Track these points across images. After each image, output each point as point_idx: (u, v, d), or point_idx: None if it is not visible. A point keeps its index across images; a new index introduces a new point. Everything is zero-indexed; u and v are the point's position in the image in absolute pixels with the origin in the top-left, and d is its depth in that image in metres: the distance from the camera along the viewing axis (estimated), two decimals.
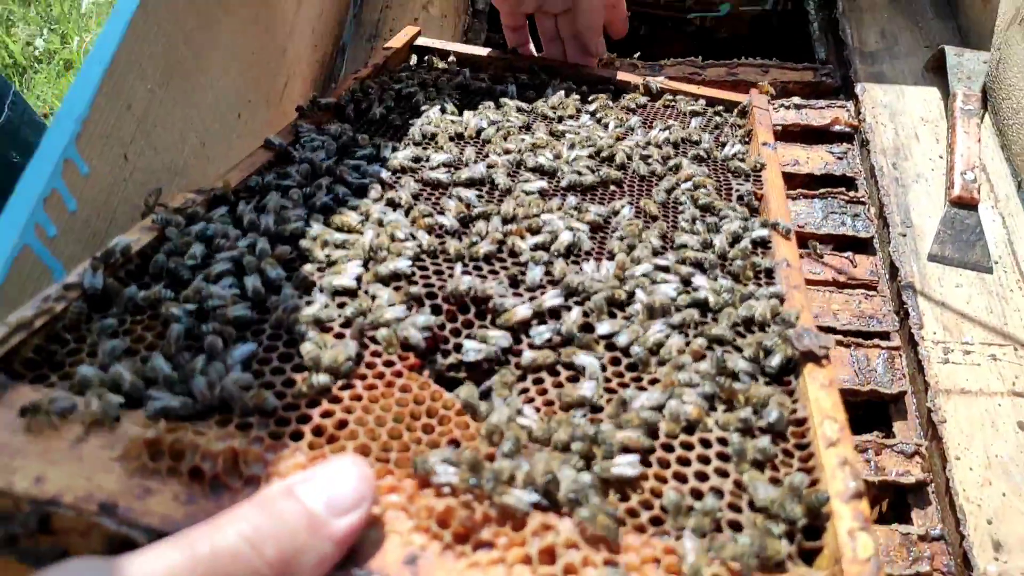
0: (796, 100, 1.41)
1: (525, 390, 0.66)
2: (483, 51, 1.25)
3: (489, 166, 0.94)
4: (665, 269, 0.82)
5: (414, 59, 1.24)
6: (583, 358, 0.69)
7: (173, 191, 0.91)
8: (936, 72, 1.43)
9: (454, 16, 1.57)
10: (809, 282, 1.19)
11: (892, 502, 1.06)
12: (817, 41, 1.55)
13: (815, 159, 1.34)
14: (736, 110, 1.17)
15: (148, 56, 0.83)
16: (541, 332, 0.71)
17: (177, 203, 0.74)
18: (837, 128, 1.37)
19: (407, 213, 0.83)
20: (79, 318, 0.62)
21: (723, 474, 0.60)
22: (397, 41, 1.22)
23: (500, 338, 0.69)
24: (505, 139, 1.00)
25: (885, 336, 1.14)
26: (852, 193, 1.29)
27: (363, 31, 1.57)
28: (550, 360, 0.68)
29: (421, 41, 1.26)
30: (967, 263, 1.19)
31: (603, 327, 0.72)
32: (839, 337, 1.12)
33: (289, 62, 1.26)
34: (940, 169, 1.31)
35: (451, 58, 1.22)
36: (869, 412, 1.13)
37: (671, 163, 1.03)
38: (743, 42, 1.65)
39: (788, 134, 1.38)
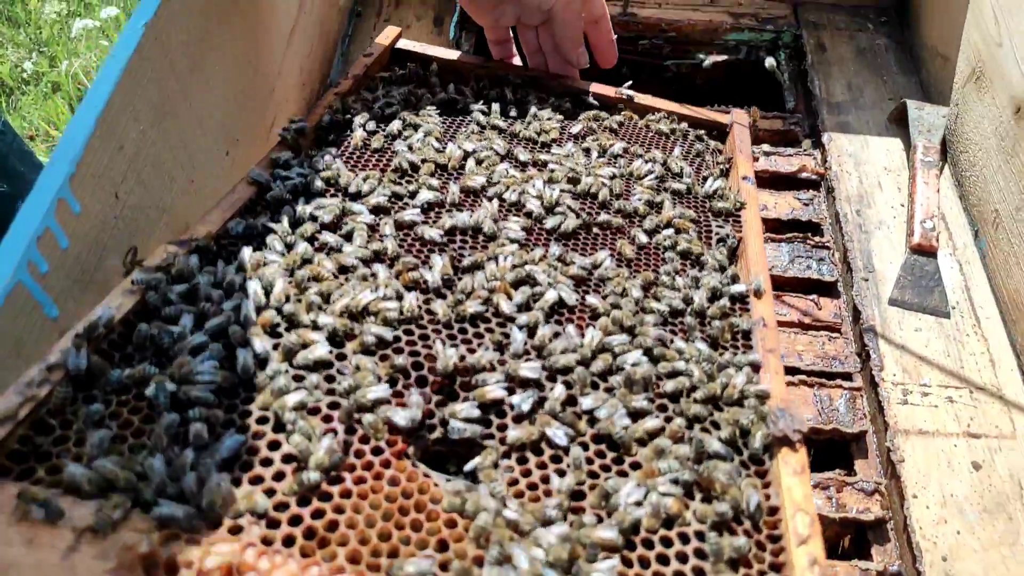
0: (766, 147, 1.46)
1: (510, 468, 0.67)
2: (466, 58, 1.25)
3: (473, 209, 0.95)
4: (645, 335, 0.83)
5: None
6: (565, 440, 0.70)
7: (161, 228, 0.94)
8: (899, 124, 1.50)
9: None
10: (776, 323, 1.24)
11: (853, 538, 1.09)
12: (787, 91, 1.62)
13: (783, 205, 1.39)
14: (716, 132, 1.22)
15: (141, 98, 0.87)
16: (525, 399, 0.72)
17: (158, 259, 0.75)
18: (804, 175, 1.43)
19: (391, 264, 0.84)
20: (64, 403, 0.61)
21: (699, 573, 0.62)
22: (378, 46, 1.21)
23: (469, 408, 0.70)
24: (489, 177, 1.01)
25: (847, 377, 1.19)
26: (818, 238, 1.34)
27: (350, 69, 1.61)
28: (535, 437, 0.70)
29: (403, 44, 1.25)
30: (926, 308, 1.24)
31: (586, 401, 0.74)
32: (803, 377, 1.17)
33: (277, 100, 1.30)
34: (901, 217, 1.36)
35: (433, 66, 1.22)
36: (831, 450, 1.17)
37: (655, 200, 1.05)
38: (719, 89, 1.71)
39: (757, 180, 1.43)
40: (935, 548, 1.00)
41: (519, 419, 0.71)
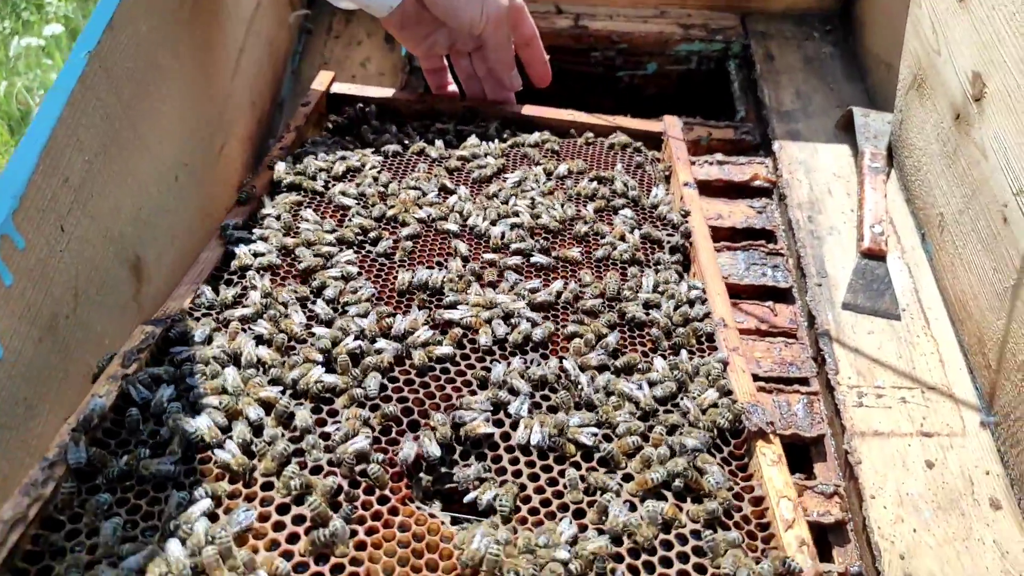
0: (719, 156, 1.48)
1: (521, 488, 0.73)
2: (403, 96, 1.29)
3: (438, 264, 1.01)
4: (617, 354, 0.91)
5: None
6: (570, 473, 0.76)
7: (109, 258, 0.92)
8: (846, 131, 1.53)
9: (391, 74, 1.62)
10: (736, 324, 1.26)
11: (815, 540, 1.11)
12: (737, 100, 1.65)
13: (737, 213, 1.41)
14: (652, 141, 1.28)
15: (86, 128, 0.85)
16: (518, 405, 0.80)
17: (136, 341, 0.77)
18: (757, 183, 1.46)
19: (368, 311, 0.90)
20: (71, 497, 0.64)
21: (701, 570, 0.69)
22: (314, 93, 1.25)
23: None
24: (442, 216, 1.06)
25: (804, 382, 1.21)
26: (772, 245, 1.37)
27: (301, 87, 1.60)
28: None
29: (338, 88, 1.28)
30: (877, 311, 1.27)
31: (574, 419, 0.81)
32: (762, 383, 1.18)
33: (226, 123, 1.28)
34: (852, 222, 1.39)
35: (371, 108, 1.25)
36: (791, 455, 1.19)
37: (605, 216, 1.11)
38: (670, 100, 1.74)
39: (712, 189, 1.46)
40: (893, 547, 1.02)
41: (516, 424, 0.78)
